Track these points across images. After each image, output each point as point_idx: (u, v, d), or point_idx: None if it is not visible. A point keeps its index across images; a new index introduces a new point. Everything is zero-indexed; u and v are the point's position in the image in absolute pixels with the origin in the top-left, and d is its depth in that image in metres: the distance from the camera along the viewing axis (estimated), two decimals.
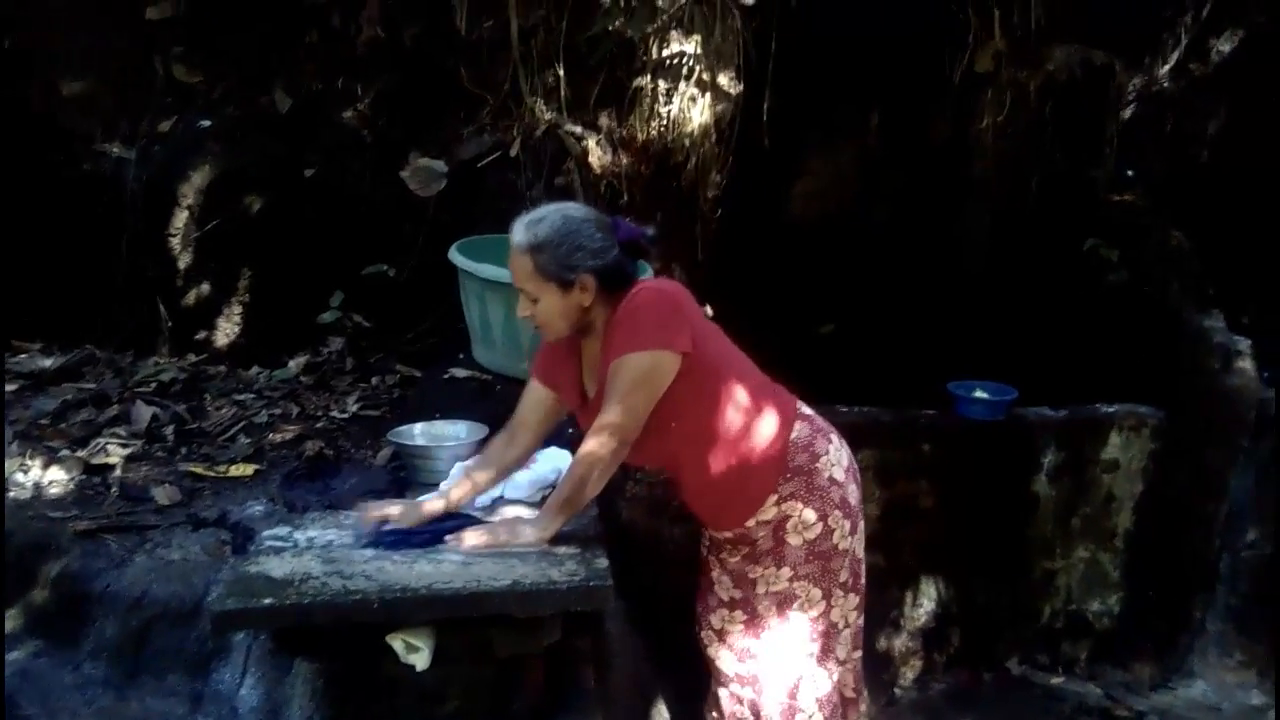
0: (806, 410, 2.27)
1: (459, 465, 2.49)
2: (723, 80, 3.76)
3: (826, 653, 2.30)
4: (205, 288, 3.65)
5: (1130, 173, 4.02)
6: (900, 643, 3.36)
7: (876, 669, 3.30)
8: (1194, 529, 3.49)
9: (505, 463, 2.27)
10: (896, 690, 3.36)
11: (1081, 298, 3.88)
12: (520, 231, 2.06)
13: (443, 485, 2.40)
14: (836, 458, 2.24)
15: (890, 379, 3.60)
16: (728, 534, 2.26)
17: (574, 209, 2.15)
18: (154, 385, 3.24)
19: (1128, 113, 4.05)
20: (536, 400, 2.25)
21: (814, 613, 2.25)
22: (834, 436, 2.28)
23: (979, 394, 3.31)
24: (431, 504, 2.20)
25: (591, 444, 2.05)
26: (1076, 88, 3.94)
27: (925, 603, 3.36)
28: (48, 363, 3.32)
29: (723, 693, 2.40)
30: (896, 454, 3.21)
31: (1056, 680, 3.48)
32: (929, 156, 4.25)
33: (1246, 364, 3.46)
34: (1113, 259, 3.86)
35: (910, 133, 4.26)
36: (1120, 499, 3.47)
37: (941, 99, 4.12)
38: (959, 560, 3.36)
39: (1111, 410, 3.45)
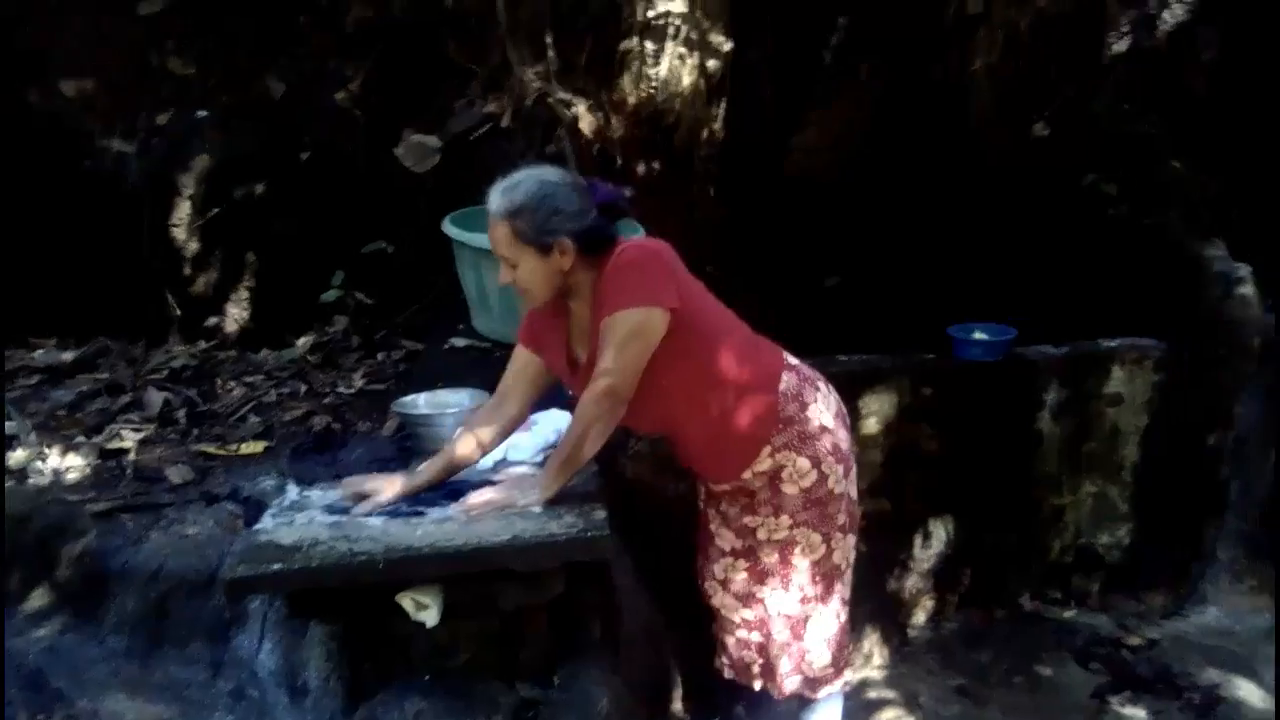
0: (793, 360, 2.29)
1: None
2: (711, 37, 3.76)
3: (830, 593, 2.34)
4: (211, 275, 3.72)
5: (1127, 105, 3.98)
6: (911, 585, 3.40)
7: (888, 612, 3.36)
8: (1201, 458, 3.50)
9: (490, 432, 2.22)
10: (909, 631, 3.40)
11: (1082, 234, 3.87)
12: (496, 198, 2.05)
13: (421, 466, 2.44)
14: (825, 404, 2.27)
15: (893, 326, 3.62)
16: (725, 486, 2.30)
17: (549, 173, 2.12)
18: (166, 372, 3.32)
19: (1123, 45, 4.01)
20: (522, 366, 2.25)
21: (815, 556, 2.29)
22: (821, 384, 2.30)
23: (978, 335, 3.32)
24: (415, 480, 2.18)
25: (588, 402, 2.07)
26: (1068, 22, 3.90)
27: (934, 544, 3.39)
28: (64, 356, 3.40)
29: (729, 640, 2.45)
30: (897, 399, 3.24)
31: (1069, 614, 3.51)
32: (926, 103, 4.24)
33: (1248, 290, 3.45)
34: (1112, 193, 3.84)
35: (906, 81, 4.24)
36: (1126, 432, 3.48)
37: (936, 44, 4.10)
38: (966, 501, 3.38)
39: (1113, 345, 3.45)
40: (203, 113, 3.79)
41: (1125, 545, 3.56)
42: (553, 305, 2.19)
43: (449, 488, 2.20)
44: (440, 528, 2.05)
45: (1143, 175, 3.87)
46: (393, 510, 2.12)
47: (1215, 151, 3.91)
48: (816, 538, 2.27)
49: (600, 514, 2.10)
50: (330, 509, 2.16)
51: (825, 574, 2.32)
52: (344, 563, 1.93)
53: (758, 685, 2.44)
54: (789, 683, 2.39)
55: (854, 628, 2.55)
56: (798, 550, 2.28)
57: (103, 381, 3.19)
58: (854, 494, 2.36)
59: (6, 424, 2.82)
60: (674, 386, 2.12)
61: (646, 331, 2.03)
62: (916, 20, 4.08)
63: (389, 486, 2.16)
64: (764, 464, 2.21)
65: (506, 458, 2.41)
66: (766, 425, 2.18)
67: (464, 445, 2.20)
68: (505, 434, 2.28)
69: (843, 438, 2.30)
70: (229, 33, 3.83)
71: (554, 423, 2.50)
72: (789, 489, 2.23)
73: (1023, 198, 4.03)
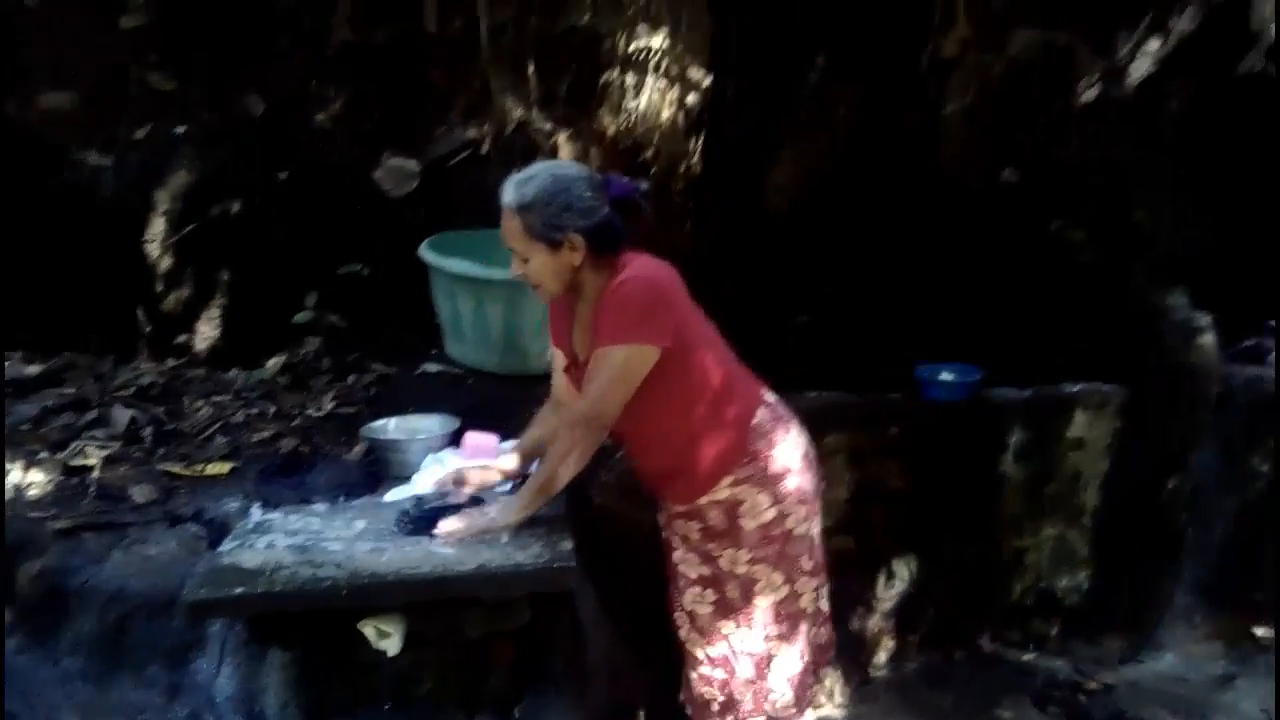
0: (770, 398, 2.32)
1: (430, 457, 2.55)
2: (691, 72, 3.82)
3: (795, 635, 2.35)
4: (183, 292, 3.70)
5: (1094, 153, 4.07)
6: (873, 624, 3.41)
7: (850, 651, 3.36)
8: (1160, 504, 3.55)
9: (552, 428, 2.32)
10: (870, 671, 3.41)
11: (1048, 278, 3.93)
12: (510, 191, 2.08)
13: (415, 478, 2.46)
14: (795, 446, 2.29)
15: (861, 365, 3.66)
16: (680, 508, 2.31)
17: (565, 167, 2.18)
18: (133, 389, 3.30)
19: (1092, 94, 4.10)
20: (561, 364, 2.33)
21: (778, 596, 2.30)
22: (793, 425, 2.32)
23: (944, 376, 3.36)
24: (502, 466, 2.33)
25: (569, 430, 2.11)
26: (1040, 70, 3.99)
27: (897, 584, 3.41)
28: (29, 370, 3.37)
29: (694, 675, 2.44)
30: (864, 438, 3.26)
31: (1028, 656, 3.53)
32: (899, 144, 4.31)
33: (1208, 340, 3.51)
34: (1078, 239, 3.92)
35: (880, 122, 4.32)
36: (1087, 477, 3.53)
37: (910, 86, 4.18)
38: (929, 541, 3.41)
39: (1076, 389, 3.51)
40: (181, 129, 3.79)
41: (1084, 589, 3.59)
42: (566, 300, 2.23)
43: (428, 511, 2.21)
44: (405, 555, 2.05)
45: (1109, 223, 3.95)
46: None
47: (1181, 202, 4.00)
48: (778, 577, 2.28)
49: (567, 544, 2.12)
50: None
51: (790, 615, 2.33)
52: (308, 588, 1.94)
53: None
54: None
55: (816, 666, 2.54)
56: (758, 587, 2.28)
57: (68, 397, 3.17)
58: (818, 538, 2.38)
59: None
60: (651, 409, 2.14)
61: (633, 369, 2.07)
62: (891, 62, 4.16)
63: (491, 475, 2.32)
64: (722, 494, 2.23)
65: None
66: (730, 458, 2.20)
67: (527, 443, 2.37)
68: None
69: (808, 481, 2.31)
70: (210, 50, 3.83)
71: None
72: (747, 524, 2.24)
73: (991, 241, 4.10)
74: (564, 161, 2.21)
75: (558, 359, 2.34)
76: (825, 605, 2.45)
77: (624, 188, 2.18)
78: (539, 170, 2.11)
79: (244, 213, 3.72)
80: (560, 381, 2.35)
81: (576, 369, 2.25)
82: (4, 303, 3.39)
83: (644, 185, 2.24)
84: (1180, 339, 3.54)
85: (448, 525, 2.12)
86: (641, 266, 2.12)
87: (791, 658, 2.36)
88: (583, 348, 2.21)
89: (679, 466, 2.24)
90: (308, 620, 2.02)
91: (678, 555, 2.40)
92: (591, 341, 2.12)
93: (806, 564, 2.31)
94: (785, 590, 2.30)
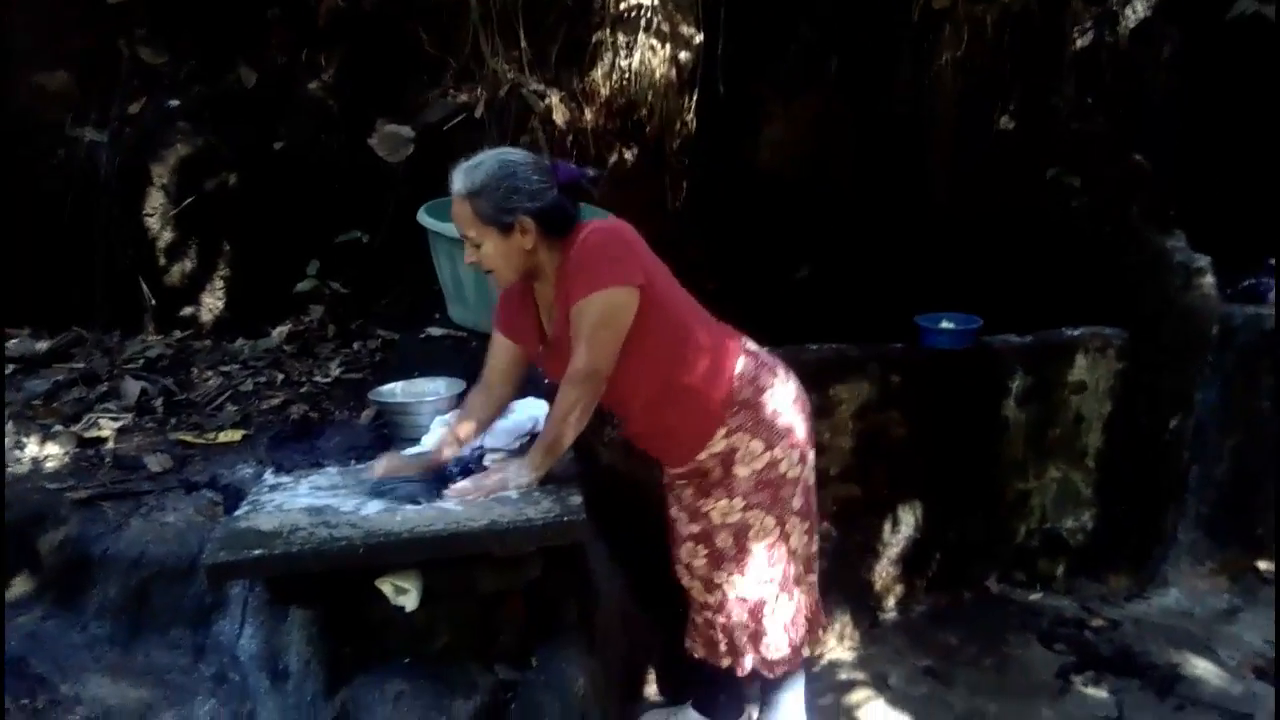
0: (752, 346, 2.34)
1: (439, 419, 2.59)
2: (682, 29, 3.80)
3: (788, 577, 2.41)
4: (186, 265, 3.71)
5: (1089, 99, 4.06)
6: (881, 569, 3.46)
7: (859, 596, 3.43)
8: (1162, 444, 3.59)
9: (485, 415, 2.33)
10: (880, 614, 3.47)
11: (1046, 225, 3.94)
12: (459, 178, 2.10)
13: (424, 440, 2.50)
14: (783, 391, 2.32)
15: (863, 316, 3.68)
16: (681, 469, 2.35)
17: (511, 153, 2.18)
18: (141, 362, 3.33)
19: (1085, 40, 4.08)
20: (502, 350, 2.32)
21: (770, 539, 2.35)
22: (780, 370, 2.35)
23: (945, 324, 3.38)
24: (428, 459, 2.28)
25: (568, 387, 2.12)
26: (1032, 18, 3.98)
27: (903, 529, 3.46)
28: (38, 346, 3.40)
29: (698, 619, 2.52)
30: (867, 387, 3.29)
31: (1034, 596, 3.60)
32: (892, 96, 4.30)
33: (1207, 280, 3.53)
34: (1075, 185, 3.92)
35: (872, 74, 4.30)
36: (1089, 419, 3.56)
37: (901, 38, 4.17)
38: (934, 486, 3.45)
39: (1076, 333, 3.53)
40: (174, 102, 3.79)
41: (1089, 529, 3.65)
42: (520, 289, 2.25)
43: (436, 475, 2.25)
44: (420, 513, 2.08)
45: (1105, 168, 3.95)
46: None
47: (1176, 145, 4.00)
48: (770, 520, 2.33)
49: (576, 499, 2.14)
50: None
51: (783, 556, 2.38)
52: (324, 548, 1.96)
53: (725, 663, 2.50)
54: (748, 661, 2.46)
55: (825, 610, 2.60)
56: (751, 533, 2.34)
57: (78, 371, 3.20)
58: (812, 481, 2.42)
59: None
60: (635, 365, 2.16)
61: (618, 313, 2.09)
62: (882, 14, 4.14)
63: (408, 467, 2.26)
64: (719, 445, 2.27)
65: (484, 445, 2.46)
66: (721, 408, 2.24)
67: (465, 427, 2.29)
68: (496, 416, 2.37)
69: (800, 424, 2.35)
70: (200, 22, 3.82)
71: (530, 409, 2.54)
72: (740, 470, 2.28)
73: (987, 189, 4.11)
74: (510, 148, 2.23)
75: (498, 344, 2.34)
76: (815, 550, 2.49)
77: (571, 172, 2.19)
78: (486, 156, 2.13)
79: (241, 184, 3.73)
80: (495, 365, 2.34)
81: (546, 353, 2.26)
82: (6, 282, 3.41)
83: (591, 171, 2.24)
84: (1180, 280, 3.55)
85: (459, 487, 2.16)
86: (599, 224, 2.15)
87: (785, 602, 2.42)
88: (552, 326, 2.23)
89: (674, 426, 2.28)
90: (326, 579, 2.05)
91: (673, 513, 2.46)
92: (561, 301, 2.14)
93: (797, 504, 2.36)
94: (776, 533, 2.34)
